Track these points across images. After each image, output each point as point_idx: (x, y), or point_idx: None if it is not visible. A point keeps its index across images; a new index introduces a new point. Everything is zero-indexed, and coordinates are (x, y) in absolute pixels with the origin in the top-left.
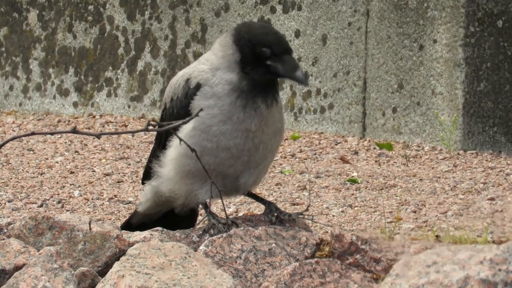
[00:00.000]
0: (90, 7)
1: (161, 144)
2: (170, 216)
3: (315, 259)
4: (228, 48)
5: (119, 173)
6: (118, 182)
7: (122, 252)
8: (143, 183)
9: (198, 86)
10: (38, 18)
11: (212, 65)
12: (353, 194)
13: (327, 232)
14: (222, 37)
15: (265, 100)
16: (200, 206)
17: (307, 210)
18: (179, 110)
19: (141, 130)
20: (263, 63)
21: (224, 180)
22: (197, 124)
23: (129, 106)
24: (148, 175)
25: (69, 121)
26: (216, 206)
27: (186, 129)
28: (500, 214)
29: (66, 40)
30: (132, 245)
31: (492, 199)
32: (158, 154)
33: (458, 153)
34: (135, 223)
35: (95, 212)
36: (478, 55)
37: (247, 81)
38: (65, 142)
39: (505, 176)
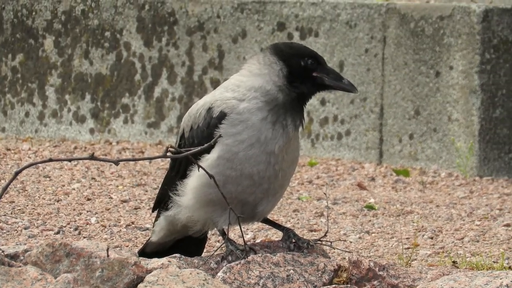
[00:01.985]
0: (107, 34)
1: (179, 173)
2: (182, 242)
3: (333, 286)
4: (273, 64)
5: (136, 200)
6: (135, 208)
7: (140, 279)
8: (153, 211)
9: (223, 115)
10: (54, 44)
11: (245, 87)
12: (370, 221)
13: (344, 258)
14: (258, 58)
15: (294, 120)
16: (217, 232)
17: (325, 236)
18: (200, 140)
19: (160, 157)
20: (309, 75)
21: (243, 208)
22: (223, 153)
23: (146, 133)
24: (160, 203)
25: (85, 147)
26: (233, 233)
27: (210, 159)
28: None
29: (82, 67)
30: (150, 272)
31: (508, 225)
32: (177, 183)
33: (474, 179)
34: (148, 253)
35: (112, 239)
36: (494, 81)
37: (284, 93)
38: (82, 169)
39: None
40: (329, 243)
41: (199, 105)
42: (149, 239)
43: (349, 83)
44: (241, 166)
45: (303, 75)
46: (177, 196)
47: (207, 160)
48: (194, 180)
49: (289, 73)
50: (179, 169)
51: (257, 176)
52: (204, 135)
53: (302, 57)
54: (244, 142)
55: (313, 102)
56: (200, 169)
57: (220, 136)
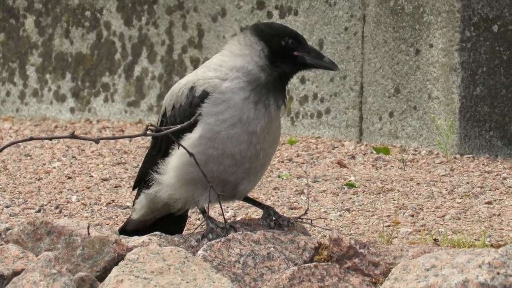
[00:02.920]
0: (87, 13)
1: (160, 151)
2: (162, 220)
3: (314, 263)
4: (254, 44)
5: (116, 178)
6: (116, 187)
7: (121, 257)
8: (133, 189)
9: (205, 94)
10: (35, 24)
11: (227, 67)
12: (350, 198)
13: (325, 236)
14: (239, 38)
15: (276, 100)
16: (198, 210)
17: (305, 214)
18: (182, 119)
19: (140, 135)
20: (290, 54)
21: (224, 187)
22: (205, 132)
23: (126, 112)
24: (141, 181)
25: (66, 126)
26: (213, 211)
27: (192, 138)
28: (498, 218)
29: (63, 46)
30: (131, 250)
31: (489, 203)
32: (158, 162)
33: (455, 157)
34: (129, 230)
35: (93, 217)
36: (474, 59)
37: (265, 73)
38: (63, 148)
39: (501, 180)
40: (309, 221)
41: (182, 84)
42: (129, 217)
43: (330, 61)
44: (223, 145)
45: (284, 54)
46: (158, 174)
47: (189, 139)
48: (176, 159)
49: (270, 53)
50: (160, 148)
51: (238, 155)
52: (186, 114)
53: (282, 36)
54: (226, 121)
55: (292, 80)
56: (181, 148)
57: (200, 114)
